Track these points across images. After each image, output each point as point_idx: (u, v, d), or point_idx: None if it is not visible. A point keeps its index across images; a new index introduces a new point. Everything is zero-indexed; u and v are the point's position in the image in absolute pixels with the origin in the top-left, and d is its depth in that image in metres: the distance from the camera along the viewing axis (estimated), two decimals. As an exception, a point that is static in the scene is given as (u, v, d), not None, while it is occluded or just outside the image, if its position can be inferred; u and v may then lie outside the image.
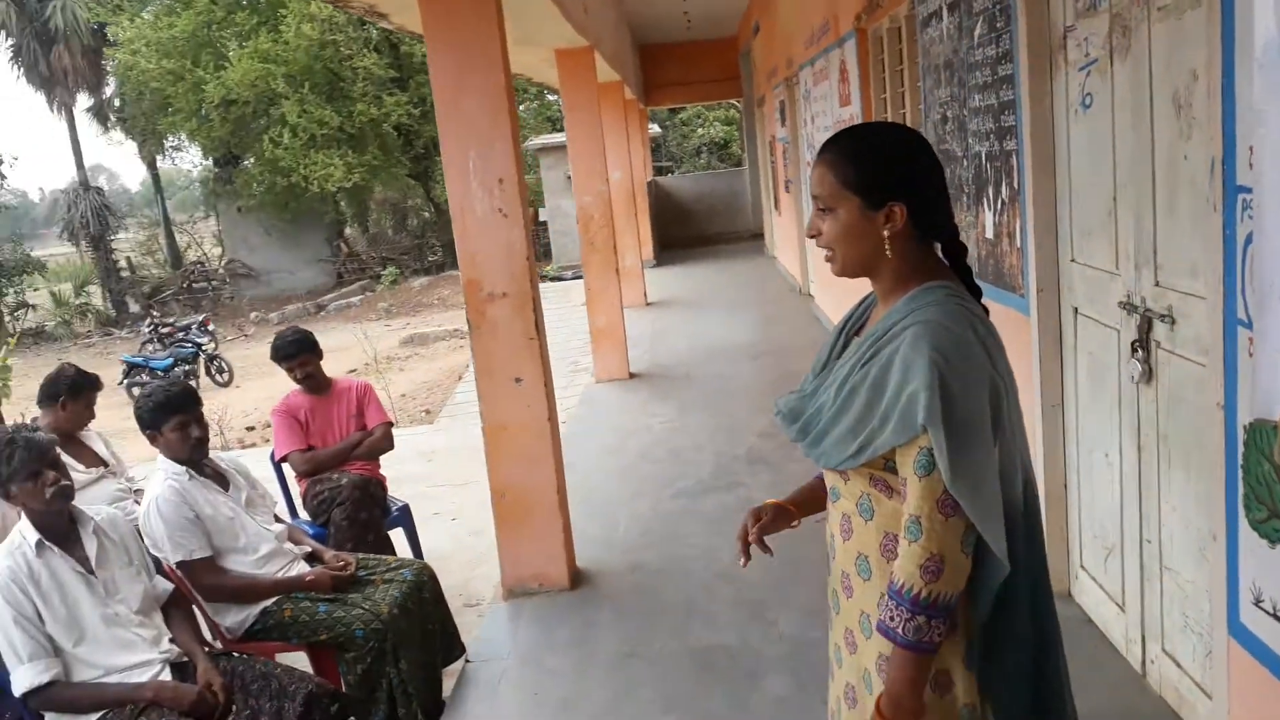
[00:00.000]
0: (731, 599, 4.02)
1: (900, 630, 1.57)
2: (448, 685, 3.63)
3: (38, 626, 2.79)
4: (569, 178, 10.72)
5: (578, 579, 4.30)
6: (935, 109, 4.44)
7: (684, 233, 18.19)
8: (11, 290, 25.69)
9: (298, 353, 4.63)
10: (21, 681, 2.75)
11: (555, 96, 26.10)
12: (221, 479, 3.56)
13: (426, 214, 28.87)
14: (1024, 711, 1.69)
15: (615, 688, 3.46)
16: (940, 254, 1.73)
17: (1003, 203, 3.61)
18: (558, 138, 20.06)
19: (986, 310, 1.71)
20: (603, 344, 8.15)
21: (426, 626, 3.54)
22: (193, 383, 15.28)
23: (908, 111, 5.65)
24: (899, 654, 1.59)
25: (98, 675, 2.85)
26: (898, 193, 1.63)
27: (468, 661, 3.75)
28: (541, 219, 21.65)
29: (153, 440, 3.42)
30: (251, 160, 24.90)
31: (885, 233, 1.64)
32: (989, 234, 3.80)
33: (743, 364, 8.19)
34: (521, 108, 27.53)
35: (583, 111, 7.85)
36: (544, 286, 16.55)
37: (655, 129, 25.62)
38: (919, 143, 1.70)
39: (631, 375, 8.19)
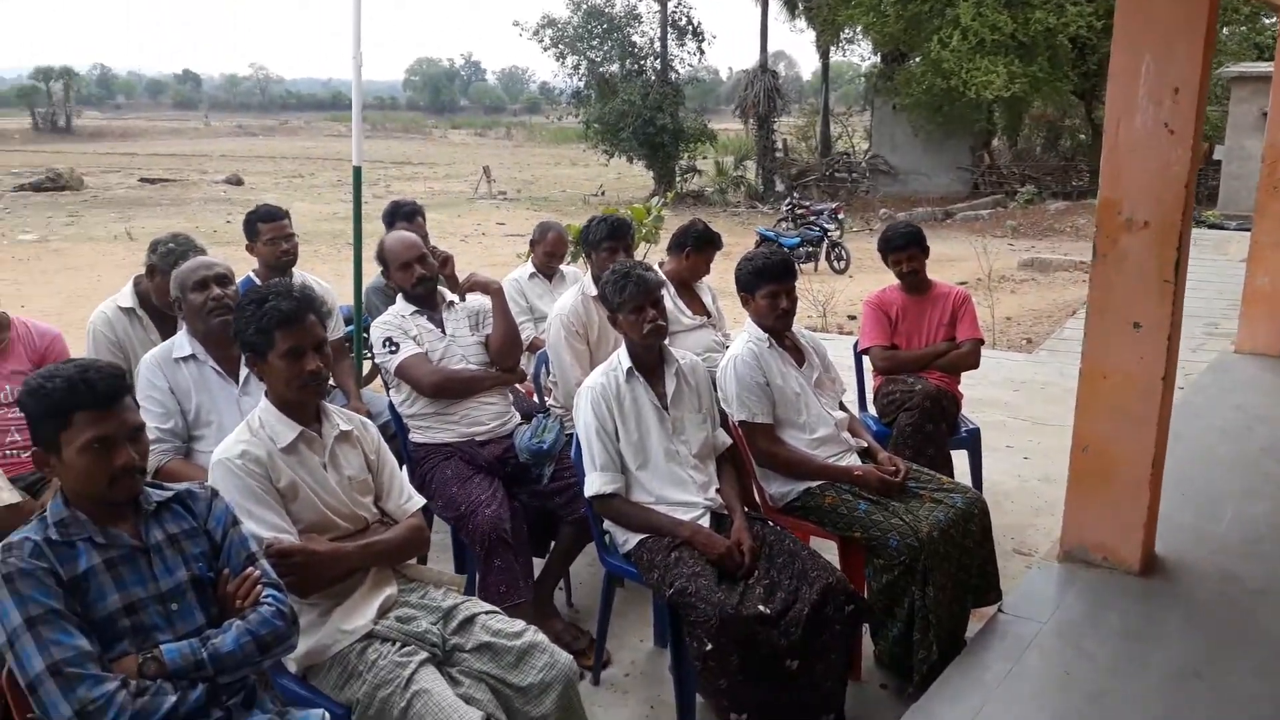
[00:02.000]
0: (1352, 655, 3.17)
1: None
2: (973, 627, 3.39)
3: (613, 442, 3.11)
4: (1264, 114, 8.96)
5: (1151, 565, 3.69)
6: None
7: None
8: (685, 154, 29.17)
9: (906, 245, 4.51)
10: (592, 485, 3.10)
11: (1271, 19, 22.14)
12: (799, 354, 3.60)
13: (1083, 135, 26.98)
14: None
15: (1163, 705, 2.92)
16: None
17: None
18: (1260, 67, 17.07)
19: None
20: (1257, 308, 6.81)
21: (964, 560, 3.29)
22: (812, 264, 16.13)
23: None
24: None
25: (649, 501, 3.11)
26: None
27: (1000, 611, 3.44)
28: (1215, 157, 18.91)
29: (745, 302, 3.54)
30: (916, 59, 25.04)
31: None
32: None
33: None
34: (1225, 31, 23.86)
35: (1309, 28, 6.41)
36: (1197, 231, 14.48)
37: None
38: None
39: (1287, 353, 6.80)
